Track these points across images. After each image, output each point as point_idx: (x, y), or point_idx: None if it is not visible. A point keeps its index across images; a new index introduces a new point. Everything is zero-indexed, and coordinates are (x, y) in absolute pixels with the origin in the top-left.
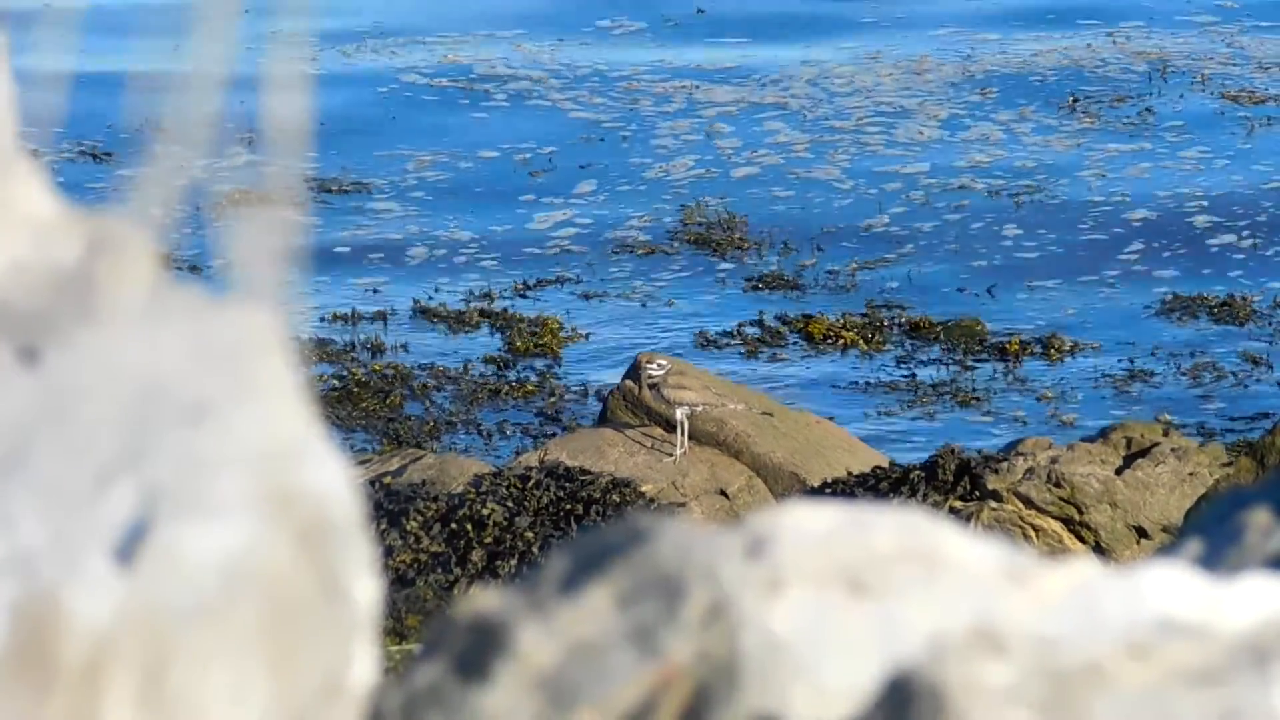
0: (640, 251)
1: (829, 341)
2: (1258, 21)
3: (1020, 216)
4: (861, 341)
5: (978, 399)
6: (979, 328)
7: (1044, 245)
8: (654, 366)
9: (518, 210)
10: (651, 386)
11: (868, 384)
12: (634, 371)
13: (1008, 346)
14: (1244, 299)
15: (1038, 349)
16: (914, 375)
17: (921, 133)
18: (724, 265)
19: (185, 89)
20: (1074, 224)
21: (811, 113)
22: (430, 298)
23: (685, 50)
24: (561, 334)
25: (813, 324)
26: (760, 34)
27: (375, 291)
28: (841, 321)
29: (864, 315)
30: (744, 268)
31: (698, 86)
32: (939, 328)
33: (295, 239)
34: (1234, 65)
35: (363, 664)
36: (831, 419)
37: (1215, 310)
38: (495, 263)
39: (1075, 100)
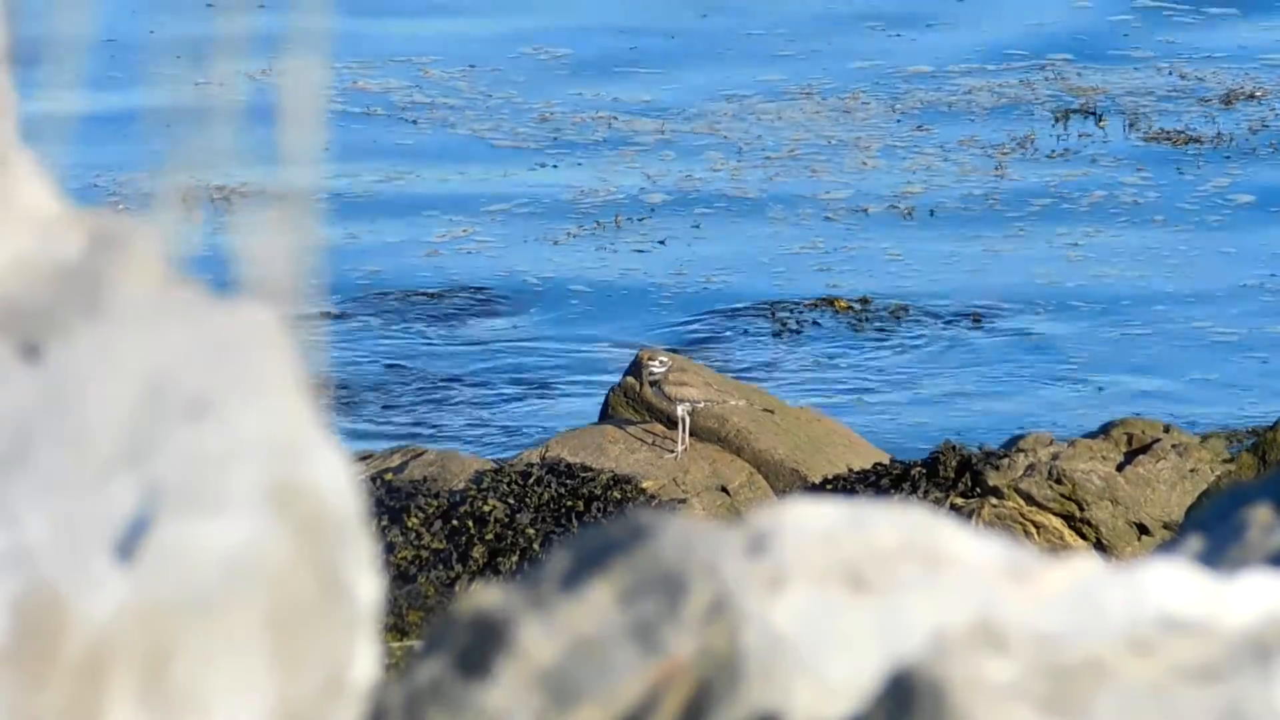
0: (634, 246)
1: (810, 329)
2: (1204, 55)
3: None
4: (843, 331)
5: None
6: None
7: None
8: (655, 363)
9: (504, 208)
10: (653, 383)
11: (854, 376)
12: (635, 368)
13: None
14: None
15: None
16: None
17: (865, 163)
18: (697, 270)
19: (203, 93)
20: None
21: (747, 144)
22: (426, 295)
23: (603, 80)
24: (562, 330)
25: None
26: (679, 64)
27: (371, 287)
28: (826, 305)
29: (852, 309)
30: (717, 270)
31: (616, 117)
32: (926, 317)
33: (305, 238)
34: (1169, 102)
35: (364, 660)
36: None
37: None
38: (494, 260)
39: (1030, 138)
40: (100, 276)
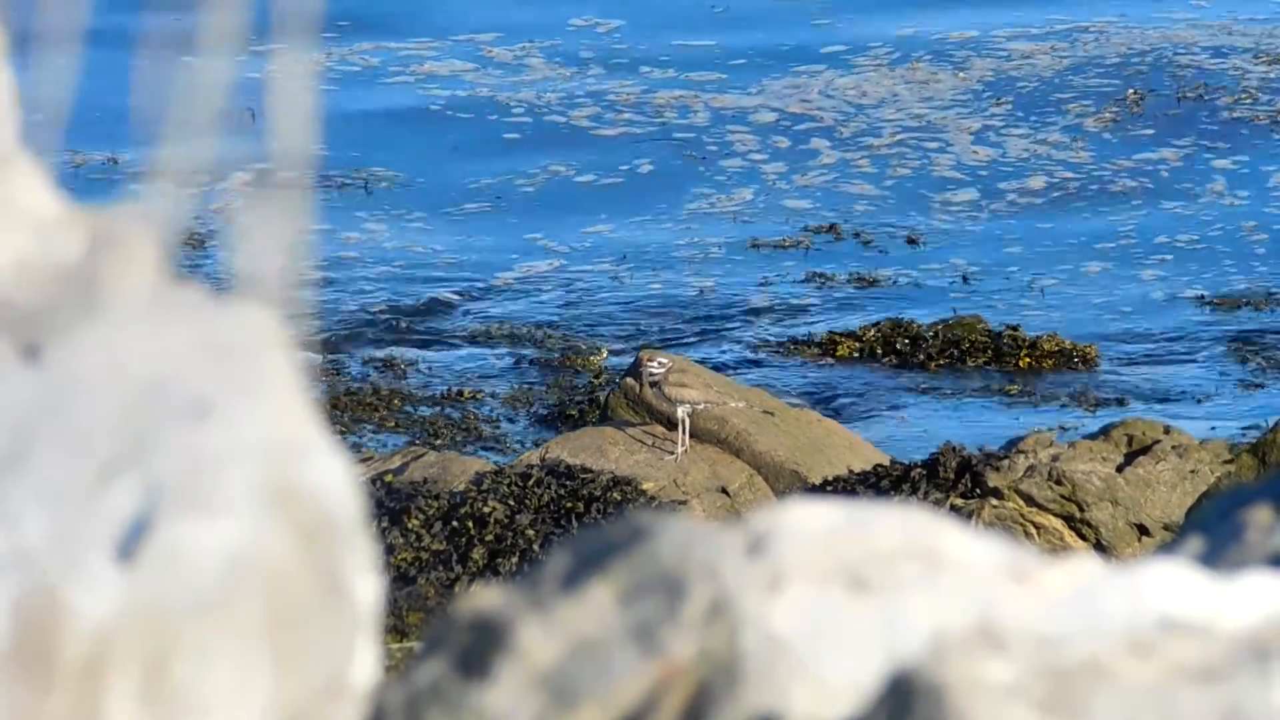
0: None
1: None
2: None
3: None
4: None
5: (985, 394)
6: (980, 324)
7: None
8: (655, 364)
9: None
10: (652, 384)
11: (878, 380)
12: (635, 369)
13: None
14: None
15: (1047, 349)
16: (915, 368)
17: (976, 152)
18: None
19: (193, 84)
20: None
21: (844, 128)
22: (428, 295)
23: (668, 63)
24: (564, 330)
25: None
26: (732, 44)
27: (373, 287)
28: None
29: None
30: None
31: (697, 96)
32: (939, 326)
33: (302, 236)
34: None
35: (364, 661)
36: (837, 416)
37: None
38: (497, 260)
39: (1139, 96)
40: (100, 277)
